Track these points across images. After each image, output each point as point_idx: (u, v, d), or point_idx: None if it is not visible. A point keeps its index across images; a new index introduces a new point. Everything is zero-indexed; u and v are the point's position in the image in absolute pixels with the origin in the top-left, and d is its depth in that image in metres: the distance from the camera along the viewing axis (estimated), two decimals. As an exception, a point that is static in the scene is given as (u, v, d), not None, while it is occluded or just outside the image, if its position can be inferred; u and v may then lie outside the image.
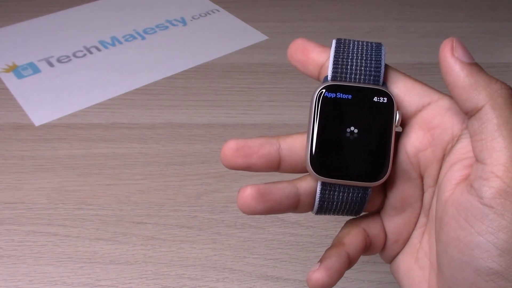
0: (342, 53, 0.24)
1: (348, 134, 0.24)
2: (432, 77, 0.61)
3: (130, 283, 0.39)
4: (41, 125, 0.53)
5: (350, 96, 0.24)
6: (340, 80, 0.24)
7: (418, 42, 0.68)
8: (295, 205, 0.25)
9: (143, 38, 0.67)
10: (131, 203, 0.45)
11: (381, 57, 0.24)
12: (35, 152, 0.50)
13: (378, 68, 0.24)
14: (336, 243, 0.26)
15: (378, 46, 0.25)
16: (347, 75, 0.24)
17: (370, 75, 0.24)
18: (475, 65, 0.22)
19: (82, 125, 0.53)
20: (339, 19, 0.72)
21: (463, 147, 0.23)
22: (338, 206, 0.25)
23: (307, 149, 0.24)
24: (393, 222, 0.26)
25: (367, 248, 0.26)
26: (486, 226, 0.20)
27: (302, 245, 0.42)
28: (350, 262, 0.25)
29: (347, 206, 0.25)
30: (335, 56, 0.24)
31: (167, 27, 0.70)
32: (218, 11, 0.73)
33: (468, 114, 0.22)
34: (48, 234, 0.42)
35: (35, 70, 0.61)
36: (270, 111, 0.56)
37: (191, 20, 0.71)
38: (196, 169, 0.49)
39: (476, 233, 0.20)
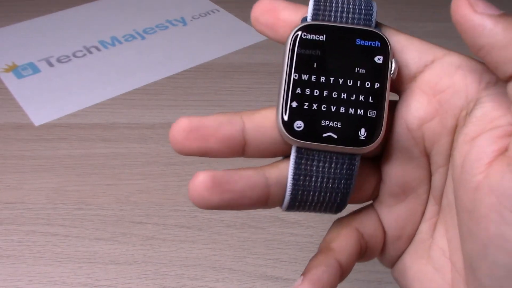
0: None
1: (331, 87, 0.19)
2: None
3: (129, 283, 0.39)
4: (41, 125, 0.53)
5: (334, 39, 0.19)
6: (323, 20, 0.19)
7: (418, 42, 0.68)
8: (264, 199, 0.20)
9: (143, 38, 0.67)
10: (131, 203, 0.45)
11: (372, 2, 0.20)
12: (35, 152, 0.50)
13: (369, 6, 0.19)
14: (323, 248, 0.20)
15: None
16: (332, 13, 0.19)
17: (360, 13, 0.19)
18: (507, 15, 0.17)
19: (82, 125, 0.53)
20: (339, 19, 0.72)
21: (487, 113, 0.18)
22: (319, 182, 0.19)
23: (278, 106, 0.19)
24: (392, 214, 0.21)
25: (363, 252, 0.21)
26: None
27: (302, 245, 0.42)
28: (342, 272, 0.20)
29: (330, 184, 0.19)
30: None
31: (167, 27, 0.70)
32: (218, 11, 0.73)
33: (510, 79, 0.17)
34: (48, 234, 0.42)
35: (35, 70, 0.61)
36: (270, 111, 0.56)
37: (191, 20, 0.71)
38: (196, 169, 0.48)
39: None
